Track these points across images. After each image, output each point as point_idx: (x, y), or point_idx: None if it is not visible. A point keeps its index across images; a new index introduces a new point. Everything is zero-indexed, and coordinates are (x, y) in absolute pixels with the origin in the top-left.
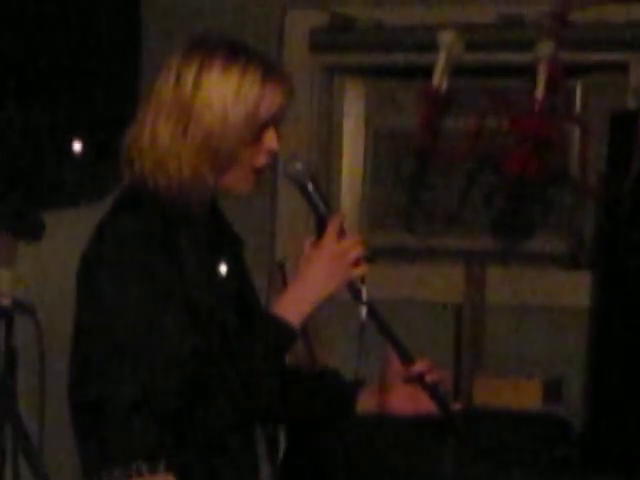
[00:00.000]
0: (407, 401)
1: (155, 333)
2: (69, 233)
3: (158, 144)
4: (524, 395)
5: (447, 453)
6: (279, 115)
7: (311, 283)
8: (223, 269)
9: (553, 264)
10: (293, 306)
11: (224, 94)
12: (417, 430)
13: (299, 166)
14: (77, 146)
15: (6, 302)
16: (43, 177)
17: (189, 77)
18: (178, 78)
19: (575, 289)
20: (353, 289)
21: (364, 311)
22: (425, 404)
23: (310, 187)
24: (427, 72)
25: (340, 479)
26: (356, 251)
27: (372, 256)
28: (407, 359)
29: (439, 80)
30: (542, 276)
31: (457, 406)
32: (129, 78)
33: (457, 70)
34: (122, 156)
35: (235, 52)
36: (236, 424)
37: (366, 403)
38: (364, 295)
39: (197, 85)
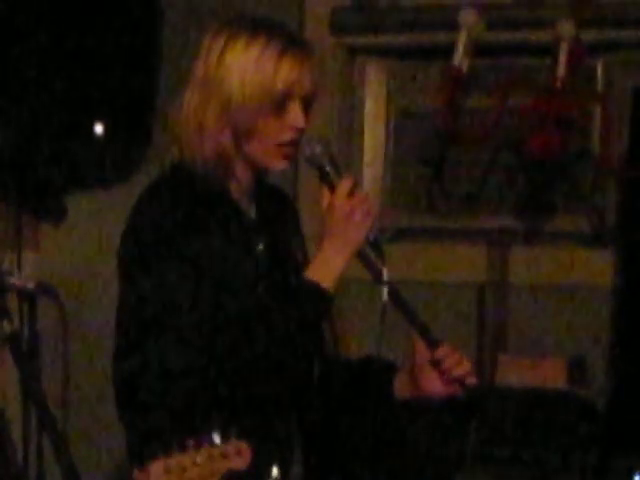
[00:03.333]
0: (436, 383)
1: (183, 306)
2: (91, 216)
3: (185, 118)
4: (547, 374)
5: (469, 433)
6: (300, 90)
7: (333, 244)
8: (260, 245)
9: (575, 243)
10: (325, 269)
11: (243, 66)
12: (439, 410)
13: (318, 149)
14: (99, 129)
15: (30, 285)
16: (65, 160)
17: (215, 53)
18: (206, 55)
19: (598, 267)
20: (374, 270)
21: (385, 292)
22: (453, 386)
23: (329, 169)
24: (448, 52)
25: (365, 459)
26: (365, 205)
27: (391, 236)
28: (429, 340)
29: (460, 60)
30: (564, 255)
31: (472, 380)
32: (150, 60)
33: (478, 49)
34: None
35: (258, 29)
36: (273, 392)
37: (399, 387)
38: (385, 276)
39: (220, 60)
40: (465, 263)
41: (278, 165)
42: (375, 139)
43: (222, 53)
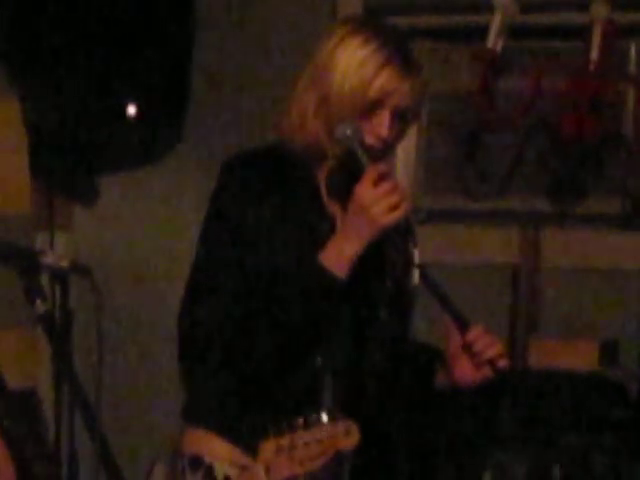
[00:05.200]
0: (468, 373)
1: (231, 273)
2: (123, 197)
3: (290, 100)
4: (580, 357)
5: (503, 416)
6: (393, 102)
7: (348, 231)
8: (327, 225)
9: (607, 225)
10: (335, 255)
11: (348, 65)
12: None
13: (349, 131)
14: (131, 110)
15: (64, 264)
16: (98, 141)
17: (329, 46)
18: (322, 46)
19: (630, 250)
20: (404, 252)
21: (417, 274)
22: (484, 369)
23: (360, 152)
24: (482, 33)
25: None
26: (391, 197)
27: (425, 218)
28: (460, 323)
29: (494, 41)
30: (597, 237)
31: (504, 363)
32: (183, 43)
33: (512, 31)
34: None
35: (377, 34)
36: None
37: (438, 377)
38: (417, 258)
39: (332, 53)
40: (497, 245)
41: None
42: None
43: (335, 47)
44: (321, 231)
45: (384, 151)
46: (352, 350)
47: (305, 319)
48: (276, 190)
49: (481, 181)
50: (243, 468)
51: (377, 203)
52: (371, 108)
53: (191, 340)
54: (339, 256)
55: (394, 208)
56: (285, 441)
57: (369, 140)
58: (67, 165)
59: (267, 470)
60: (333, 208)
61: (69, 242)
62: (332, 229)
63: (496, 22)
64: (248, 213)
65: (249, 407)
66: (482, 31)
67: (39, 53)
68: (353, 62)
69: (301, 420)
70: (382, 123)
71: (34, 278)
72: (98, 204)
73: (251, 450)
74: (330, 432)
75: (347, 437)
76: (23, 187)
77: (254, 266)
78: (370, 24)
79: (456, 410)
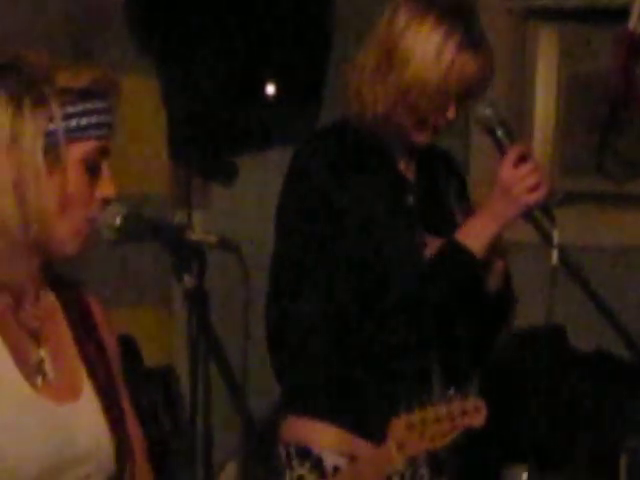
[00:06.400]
0: None
1: (325, 260)
2: (261, 176)
3: (361, 73)
4: None
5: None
6: (472, 87)
7: (489, 211)
8: (411, 198)
9: None
10: (474, 233)
11: (425, 52)
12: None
13: (489, 111)
14: (270, 90)
15: (212, 239)
16: (236, 121)
17: (401, 23)
18: (391, 19)
19: None
20: (543, 232)
21: (555, 255)
22: None
23: (499, 132)
24: (623, 15)
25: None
26: (532, 177)
27: (561, 200)
28: (599, 303)
29: (635, 24)
30: None
31: None
32: (323, 21)
33: None
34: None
35: (443, 13)
36: (412, 343)
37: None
38: (556, 238)
39: (403, 33)
40: (634, 227)
41: (418, 139)
42: (547, 103)
43: (407, 25)
44: (405, 201)
45: (442, 129)
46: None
47: (442, 297)
48: (360, 170)
49: (619, 164)
50: (352, 458)
51: (519, 183)
52: (452, 93)
53: (295, 328)
54: (478, 236)
55: (535, 188)
56: (416, 418)
57: (438, 120)
58: (206, 145)
59: (399, 447)
60: (410, 177)
61: (206, 221)
62: (416, 201)
63: (638, 4)
64: (343, 193)
65: (358, 390)
66: (623, 13)
67: (179, 34)
68: (429, 50)
69: (431, 397)
70: (452, 109)
71: (182, 253)
72: (236, 184)
73: (363, 433)
74: (460, 408)
75: (477, 414)
76: (162, 167)
77: (361, 247)
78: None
79: (593, 393)
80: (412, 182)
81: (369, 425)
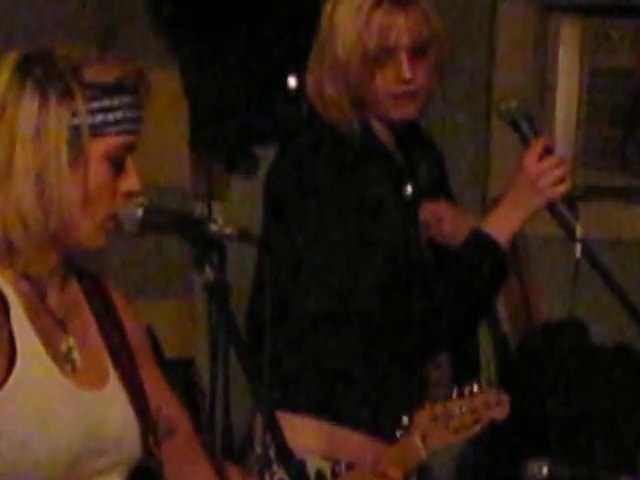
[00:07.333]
0: None
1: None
2: None
3: (309, 82)
4: None
5: None
6: (402, 42)
7: (514, 203)
8: (409, 188)
9: None
10: (499, 225)
11: (344, 23)
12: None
13: (513, 104)
14: (292, 82)
15: (231, 231)
16: (258, 114)
17: (327, 14)
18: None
19: None
20: (566, 226)
21: (578, 248)
22: None
23: (524, 126)
24: None
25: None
26: (556, 170)
27: (582, 194)
28: (623, 299)
29: None
30: None
31: None
32: None
33: None
34: None
35: None
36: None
37: None
38: (579, 232)
39: (331, 19)
40: None
41: (397, 114)
42: (569, 97)
43: (333, 12)
44: (404, 192)
45: (415, 96)
46: None
47: (467, 288)
48: (359, 162)
49: None
50: (336, 462)
51: (543, 176)
52: (382, 55)
53: (295, 321)
54: (503, 228)
55: (559, 181)
56: (440, 409)
57: (397, 88)
58: (227, 136)
59: (423, 438)
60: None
61: (226, 213)
62: (413, 189)
63: None
64: (348, 190)
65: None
66: None
67: (201, 24)
68: (347, 20)
69: (455, 389)
70: (400, 67)
71: (203, 246)
72: (256, 176)
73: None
74: (484, 401)
75: (499, 407)
76: (182, 158)
77: (364, 244)
78: None
79: (614, 387)
80: (403, 165)
81: (360, 417)
